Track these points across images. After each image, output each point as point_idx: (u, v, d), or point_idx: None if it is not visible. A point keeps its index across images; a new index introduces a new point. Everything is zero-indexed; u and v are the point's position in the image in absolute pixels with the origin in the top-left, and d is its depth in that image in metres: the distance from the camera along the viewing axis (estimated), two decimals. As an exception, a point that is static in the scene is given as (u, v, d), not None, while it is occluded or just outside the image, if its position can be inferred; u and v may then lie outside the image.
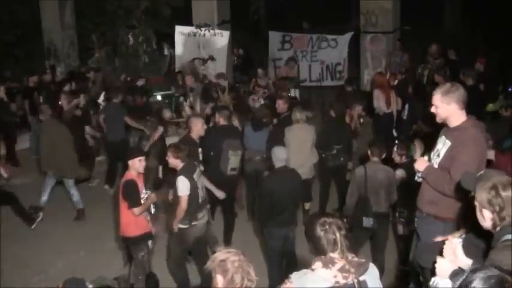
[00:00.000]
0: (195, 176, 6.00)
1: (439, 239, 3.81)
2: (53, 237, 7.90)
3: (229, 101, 9.86)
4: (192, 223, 5.99)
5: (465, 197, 3.86)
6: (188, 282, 6.29)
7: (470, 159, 4.12)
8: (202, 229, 6.16)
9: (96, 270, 6.60)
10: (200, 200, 6.07)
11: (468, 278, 2.17)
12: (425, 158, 4.39)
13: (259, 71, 11.99)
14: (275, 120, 8.77)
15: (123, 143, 9.53)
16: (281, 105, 8.54)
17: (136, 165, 5.90)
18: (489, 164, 6.41)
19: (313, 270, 3.00)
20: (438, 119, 4.26)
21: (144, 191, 5.98)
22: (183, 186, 5.87)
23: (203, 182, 6.30)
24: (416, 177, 4.40)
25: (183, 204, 5.88)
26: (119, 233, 6.14)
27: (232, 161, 7.26)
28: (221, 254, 2.98)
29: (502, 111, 7.74)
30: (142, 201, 5.93)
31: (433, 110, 4.25)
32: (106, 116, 9.76)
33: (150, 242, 6.17)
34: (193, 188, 5.95)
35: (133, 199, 5.84)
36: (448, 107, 4.15)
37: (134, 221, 5.94)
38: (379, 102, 9.80)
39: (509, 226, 2.83)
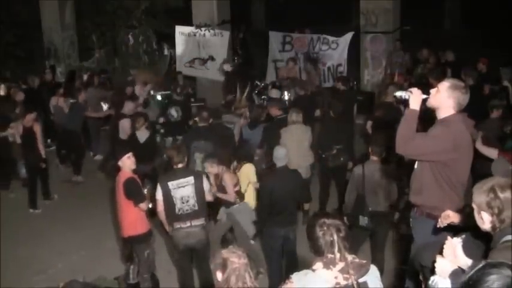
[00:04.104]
0: (171, 184, 5.79)
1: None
2: (53, 237, 7.90)
3: (244, 103, 9.87)
4: (174, 227, 5.87)
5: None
6: (186, 286, 6.21)
7: (434, 139, 4.06)
8: (189, 237, 5.87)
9: (96, 270, 6.62)
10: (178, 211, 5.79)
11: (479, 273, 2.11)
12: (424, 96, 4.16)
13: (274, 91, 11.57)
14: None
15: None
16: (273, 110, 8.56)
17: (127, 163, 5.91)
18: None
19: (313, 270, 3.00)
20: (429, 103, 4.16)
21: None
22: (156, 191, 5.89)
23: (191, 193, 5.83)
24: (398, 94, 4.27)
25: (157, 207, 5.92)
26: (122, 234, 6.09)
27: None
28: (226, 252, 3.11)
29: (491, 112, 7.60)
30: None
31: (432, 91, 4.18)
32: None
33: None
34: (166, 196, 5.80)
35: (138, 195, 5.86)
36: (446, 99, 4.10)
37: (140, 219, 5.96)
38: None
39: (509, 227, 2.82)
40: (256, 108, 8.94)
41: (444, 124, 4.12)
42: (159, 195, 5.86)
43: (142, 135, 8.19)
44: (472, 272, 2.13)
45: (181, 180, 5.83)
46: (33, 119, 8.76)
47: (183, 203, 5.80)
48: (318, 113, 9.73)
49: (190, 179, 5.85)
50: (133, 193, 5.84)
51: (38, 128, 8.78)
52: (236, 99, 10.12)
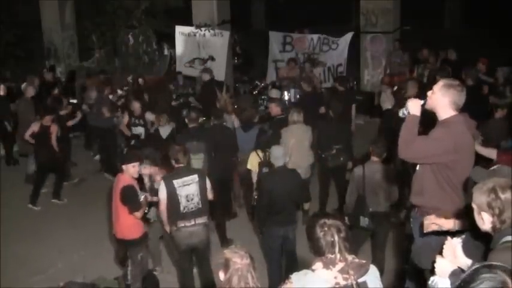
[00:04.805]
0: (176, 182, 5.81)
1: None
2: (53, 237, 7.90)
3: (228, 100, 9.85)
4: (178, 226, 5.88)
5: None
6: (186, 286, 6.21)
7: (435, 141, 4.06)
8: (191, 236, 5.89)
9: (96, 270, 6.62)
10: (183, 209, 5.82)
11: (472, 274, 2.10)
12: (421, 102, 4.19)
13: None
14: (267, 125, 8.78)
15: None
16: (274, 108, 8.54)
17: (131, 170, 5.93)
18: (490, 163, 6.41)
19: (313, 270, 3.00)
20: (427, 105, 4.16)
21: (139, 192, 6.01)
22: (160, 190, 5.90)
23: (195, 191, 5.88)
24: (401, 113, 4.31)
25: (160, 206, 5.94)
26: (116, 234, 6.11)
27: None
28: (229, 252, 3.10)
29: (495, 112, 7.57)
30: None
31: (428, 93, 4.18)
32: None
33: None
34: (171, 194, 5.81)
35: (134, 203, 5.87)
36: (441, 97, 4.09)
37: (136, 224, 5.99)
38: (387, 94, 9.68)
39: (509, 228, 2.82)
40: (249, 109, 8.85)
41: (445, 125, 4.12)
42: (163, 194, 5.85)
43: (165, 130, 8.44)
44: (466, 273, 2.14)
45: (186, 178, 5.87)
46: (51, 119, 9.03)
47: (188, 201, 5.83)
48: (322, 110, 9.71)
49: (195, 177, 5.90)
50: (129, 200, 5.85)
51: (55, 129, 9.01)
52: (218, 100, 10.10)
